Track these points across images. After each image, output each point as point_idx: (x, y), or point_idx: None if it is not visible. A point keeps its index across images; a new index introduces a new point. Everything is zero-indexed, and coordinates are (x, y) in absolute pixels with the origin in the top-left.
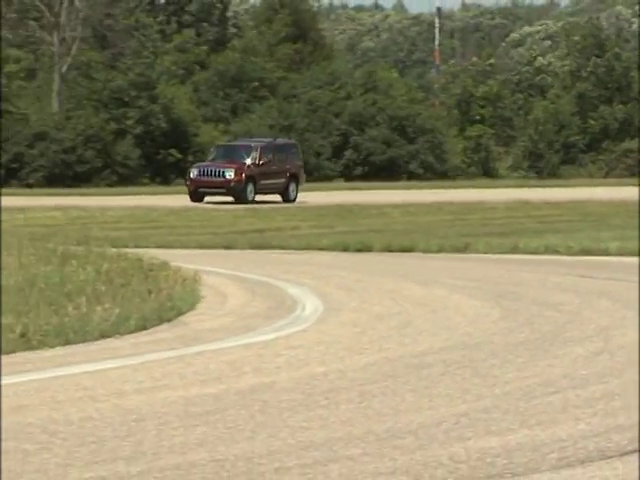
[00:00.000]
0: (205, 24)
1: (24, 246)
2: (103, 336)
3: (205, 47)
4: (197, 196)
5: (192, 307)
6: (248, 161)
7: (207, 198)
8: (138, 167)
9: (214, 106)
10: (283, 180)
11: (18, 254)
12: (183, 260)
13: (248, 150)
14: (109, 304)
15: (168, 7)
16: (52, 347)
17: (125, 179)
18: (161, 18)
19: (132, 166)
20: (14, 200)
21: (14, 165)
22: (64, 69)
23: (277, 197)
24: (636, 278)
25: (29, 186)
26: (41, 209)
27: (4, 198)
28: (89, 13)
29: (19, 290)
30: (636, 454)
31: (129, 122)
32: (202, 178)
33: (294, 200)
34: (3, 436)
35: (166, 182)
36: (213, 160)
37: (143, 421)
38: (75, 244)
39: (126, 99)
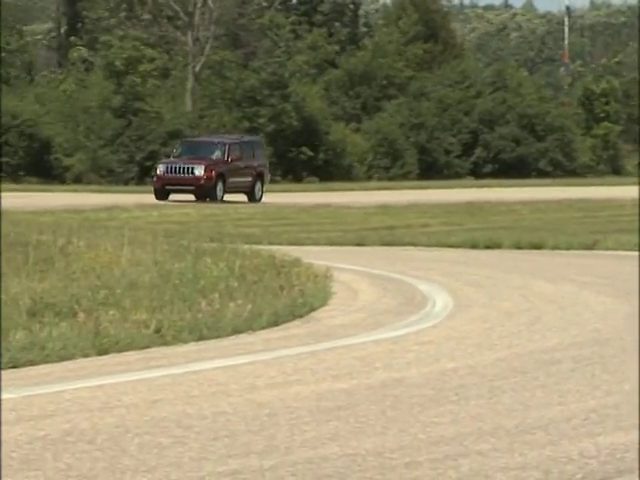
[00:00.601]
0: (337, 24)
1: (158, 243)
2: (236, 332)
3: (336, 46)
4: (162, 194)
5: (323, 303)
6: (217, 158)
7: (172, 196)
8: (271, 165)
9: (344, 104)
10: (250, 179)
11: (153, 251)
12: (314, 257)
13: (216, 146)
14: (242, 300)
15: (300, 7)
16: (186, 343)
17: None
18: (293, 18)
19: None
20: (149, 197)
21: (149, 163)
22: (197, 68)
23: (240, 196)
24: None
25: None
26: (175, 206)
27: (139, 196)
28: (222, 13)
29: (153, 286)
30: None
31: (261, 120)
32: (169, 175)
33: (259, 200)
34: (139, 430)
35: (298, 180)
36: (179, 156)
37: (275, 416)
38: (208, 241)
39: (258, 98)
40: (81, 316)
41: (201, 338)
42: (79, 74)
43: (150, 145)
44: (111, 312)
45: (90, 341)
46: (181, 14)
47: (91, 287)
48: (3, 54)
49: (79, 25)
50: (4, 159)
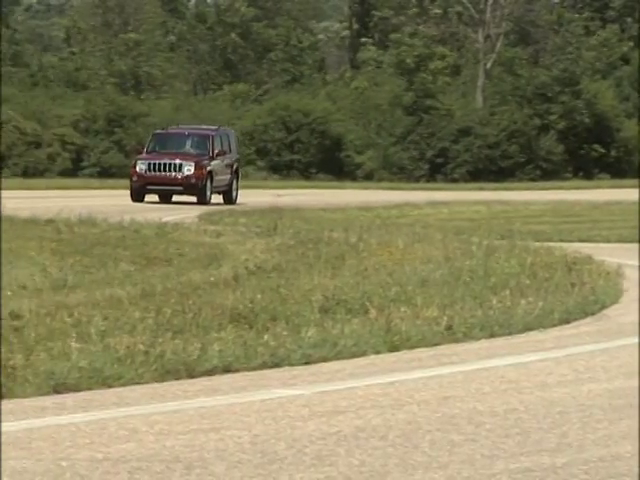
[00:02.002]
0: (629, 19)
1: (449, 240)
2: (527, 329)
3: (630, 43)
4: (140, 195)
5: (615, 301)
6: (198, 153)
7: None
8: (561, 162)
9: (636, 101)
10: (229, 177)
11: (443, 248)
12: (606, 254)
13: (200, 139)
14: (533, 297)
15: (593, 3)
16: (477, 340)
17: (548, 174)
18: (586, 14)
19: (555, 161)
20: (439, 194)
21: (439, 160)
22: (488, 65)
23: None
24: None
25: (454, 180)
26: (465, 203)
27: (430, 193)
28: (512, 9)
29: (444, 283)
30: None
31: (552, 117)
32: (152, 174)
33: (235, 201)
34: (430, 427)
35: (588, 177)
36: (154, 151)
37: (567, 414)
38: (499, 238)
39: (549, 95)
40: (373, 313)
41: (492, 335)
42: (370, 72)
43: (440, 142)
44: (402, 309)
45: (381, 338)
46: (472, 11)
47: (382, 284)
48: (294, 52)
49: (369, 23)
50: (295, 156)
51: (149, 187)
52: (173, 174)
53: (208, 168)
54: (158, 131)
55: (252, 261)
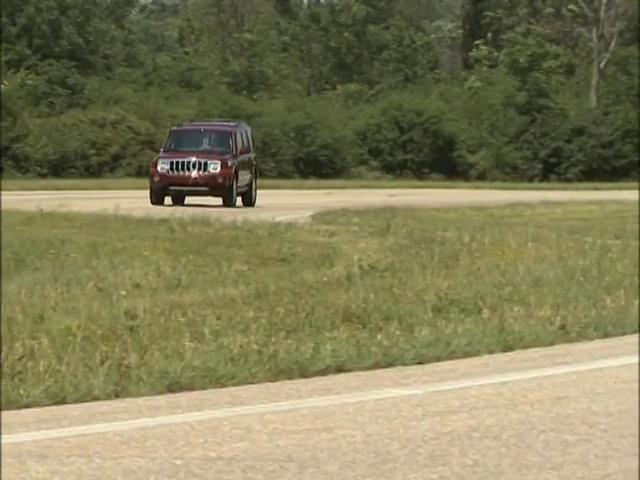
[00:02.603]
0: None
1: (563, 239)
2: None
3: None
4: (161, 196)
5: None
6: (226, 151)
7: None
8: None
9: None
10: (249, 176)
11: (557, 247)
12: None
13: (221, 135)
14: None
15: None
16: (591, 339)
17: None
18: None
19: None
20: (553, 194)
21: (553, 160)
22: (602, 64)
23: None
24: None
25: (567, 180)
26: (579, 203)
27: (543, 193)
28: (627, 8)
29: (558, 283)
30: None
31: None
32: (175, 173)
33: (254, 203)
34: (544, 427)
35: None
36: (172, 149)
37: None
38: (613, 237)
39: None
40: (486, 312)
41: (606, 335)
42: (483, 72)
43: (554, 142)
44: (515, 308)
45: (495, 337)
46: (586, 10)
47: (496, 283)
48: (407, 52)
49: (482, 23)
50: (408, 156)
51: (172, 188)
52: (198, 173)
53: (234, 167)
54: (175, 128)
55: (365, 261)
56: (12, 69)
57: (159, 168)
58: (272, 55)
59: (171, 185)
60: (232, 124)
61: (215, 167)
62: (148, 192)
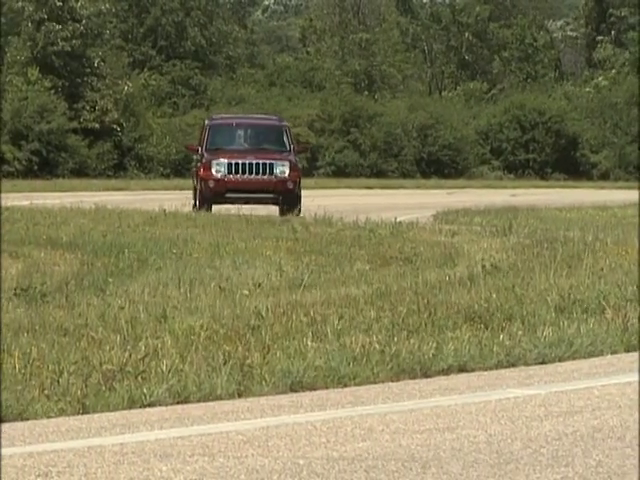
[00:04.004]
0: None
1: None
2: None
3: None
4: (210, 203)
5: None
6: (284, 148)
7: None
8: None
9: None
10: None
11: None
12: None
13: (271, 131)
14: None
15: None
16: None
17: None
18: None
19: None
20: None
21: None
22: None
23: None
24: None
25: None
26: None
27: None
28: None
29: None
30: None
31: None
32: (236, 177)
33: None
34: None
35: None
36: (217, 149)
37: None
38: None
39: None
40: (609, 312)
41: None
42: (608, 71)
43: None
44: (639, 308)
45: (618, 337)
46: None
47: (619, 283)
48: (530, 50)
49: (606, 22)
50: (530, 155)
51: (230, 195)
52: (263, 177)
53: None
54: (215, 121)
55: (487, 260)
56: (136, 70)
57: (214, 171)
58: (394, 55)
59: (229, 192)
60: (274, 117)
61: (283, 170)
62: (198, 197)
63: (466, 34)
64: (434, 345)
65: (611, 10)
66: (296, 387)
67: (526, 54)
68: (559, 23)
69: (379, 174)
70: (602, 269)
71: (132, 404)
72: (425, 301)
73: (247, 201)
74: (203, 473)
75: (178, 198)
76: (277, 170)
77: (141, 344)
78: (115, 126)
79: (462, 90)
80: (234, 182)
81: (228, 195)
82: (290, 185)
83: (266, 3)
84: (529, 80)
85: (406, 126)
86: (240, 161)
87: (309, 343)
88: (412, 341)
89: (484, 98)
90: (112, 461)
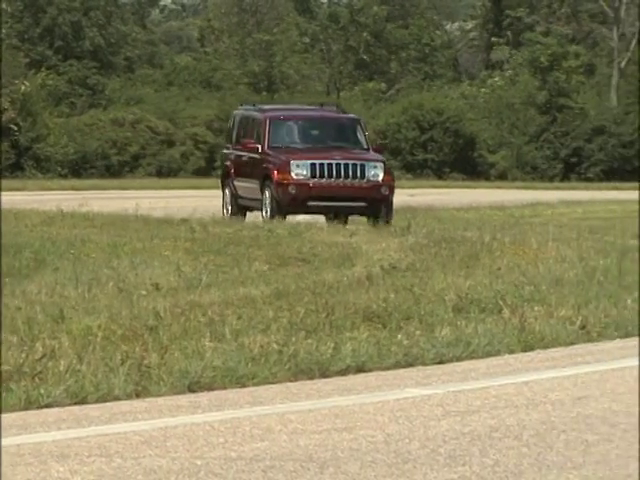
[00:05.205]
0: None
1: (583, 239)
2: None
3: None
4: (288, 212)
5: None
6: (364, 147)
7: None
8: None
9: None
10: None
11: (577, 247)
12: None
13: (347, 125)
14: None
15: None
16: (611, 339)
17: None
18: None
19: None
20: (573, 194)
21: (573, 159)
22: (623, 64)
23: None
24: None
25: (588, 180)
26: (600, 203)
27: (563, 192)
28: None
29: (578, 283)
30: None
31: None
32: (321, 181)
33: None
34: (565, 427)
35: None
36: (285, 147)
37: None
38: (633, 237)
39: None
40: (506, 312)
41: (627, 335)
42: (504, 71)
43: (574, 141)
44: (536, 308)
45: (515, 337)
46: (606, 8)
47: (516, 283)
48: (427, 51)
49: (503, 23)
50: (429, 155)
51: (313, 203)
52: (352, 182)
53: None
54: (269, 113)
55: (386, 260)
56: (33, 69)
57: (294, 174)
58: (293, 55)
59: (312, 199)
60: (334, 108)
61: (376, 173)
62: (272, 205)
63: (364, 34)
64: (332, 345)
65: (507, 11)
66: (194, 387)
67: (424, 54)
68: (456, 24)
69: None
70: (499, 269)
71: (29, 405)
72: (323, 301)
73: (332, 211)
74: (101, 474)
75: (75, 198)
76: (369, 173)
77: (38, 345)
78: (12, 126)
79: (360, 90)
80: (319, 188)
81: (311, 204)
82: (385, 191)
83: (163, 3)
84: (427, 80)
85: None
86: (326, 162)
87: (207, 343)
88: (310, 341)
89: (382, 98)
90: (9, 462)
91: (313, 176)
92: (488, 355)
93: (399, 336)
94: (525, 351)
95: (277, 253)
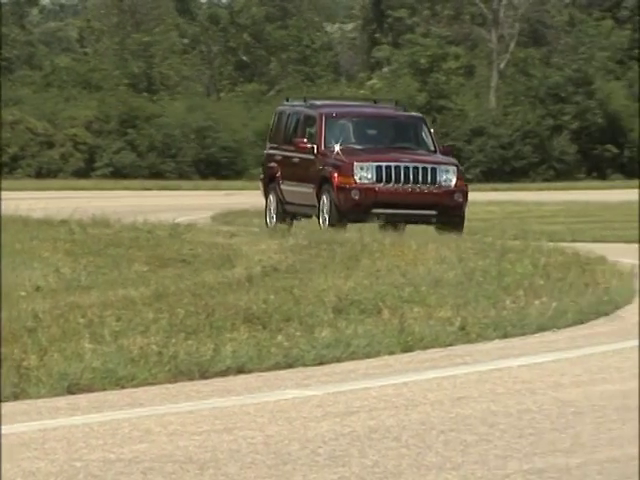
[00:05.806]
0: None
1: (462, 240)
2: (541, 329)
3: None
4: (350, 219)
5: (628, 301)
6: (432, 148)
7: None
8: (574, 162)
9: None
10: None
11: (456, 248)
12: (619, 254)
13: (408, 125)
14: (546, 298)
15: (605, 3)
16: (490, 340)
17: (561, 174)
18: (597, 14)
19: (568, 161)
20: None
21: None
22: (502, 66)
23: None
24: None
25: (467, 181)
26: (479, 204)
27: None
28: (526, 10)
29: (458, 283)
30: None
31: (565, 118)
32: (387, 186)
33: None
34: (444, 427)
35: (602, 177)
36: (328, 146)
37: (581, 414)
38: (512, 238)
39: (562, 95)
40: (386, 313)
41: (506, 335)
42: (384, 73)
43: (454, 142)
44: (416, 309)
45: (395, 338)
46: (485, 11)
47: (396, 284)
48: (307, 52)
49: (384, 24)
50: None
51: (378, 210)
52: (422, 188)
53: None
54: (323, 109)
55: (266, 262)
56: None
57: (357, 178)
58: (172, 56)
59: (378, 206)
60: (390, 105)
61: (449, 177)
62: (330, 211)
63: (244, 35)
64: (212, 347)
65: (389, 11)
66: (73, 389)
67: (304, 55)
68: (336, 25)
69: (157, 175)
70: (379, 270)
71: None
72: (203, 303)
73: (398, 219)
74: None
75: None
76: (441, 177)
77: None
78: None
79: (240, 91)
80: (386, 193)
81: (375, 211)
82: (458, 198)
83: (42, 3)
84: (307, 82)
85: (184, 127)
86: (393, 164)
87: (86, 345)
88: (190, 342)
89: (262, 100)
90: None
91: (379, 180)
92: (368, 356)
93: (279, 337)
94: (405, 352)
95: (157, 254)
